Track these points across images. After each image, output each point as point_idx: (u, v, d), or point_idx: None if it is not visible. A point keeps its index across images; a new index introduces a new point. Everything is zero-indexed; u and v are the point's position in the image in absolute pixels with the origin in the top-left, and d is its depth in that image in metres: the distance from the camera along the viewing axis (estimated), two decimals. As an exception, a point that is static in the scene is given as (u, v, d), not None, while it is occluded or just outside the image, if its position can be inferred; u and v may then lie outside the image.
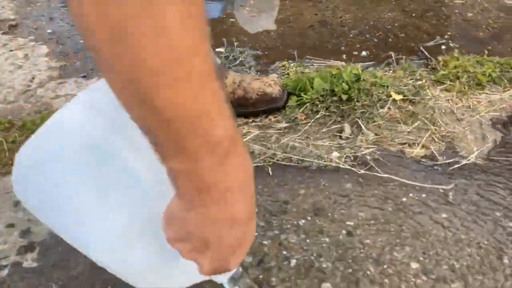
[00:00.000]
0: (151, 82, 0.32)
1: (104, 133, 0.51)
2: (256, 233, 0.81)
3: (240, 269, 0.66)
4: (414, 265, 0.75)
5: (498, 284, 0.72)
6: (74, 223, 0.55)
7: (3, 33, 1.53)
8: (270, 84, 1.11)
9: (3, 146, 0.99)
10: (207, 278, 0.65)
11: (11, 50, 1.43)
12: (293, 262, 0.76)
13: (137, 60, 0.31)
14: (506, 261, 0.76)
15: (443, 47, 1.39)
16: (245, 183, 0.42)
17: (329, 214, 0.85)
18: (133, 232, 0.54)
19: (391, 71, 1.28)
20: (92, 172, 0.52)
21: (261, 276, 0.73)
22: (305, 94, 1.14)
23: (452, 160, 0.97)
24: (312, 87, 1.14)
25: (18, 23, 1.60)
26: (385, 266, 0.75)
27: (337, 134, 1.06)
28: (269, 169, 0.95)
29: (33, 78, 1.28)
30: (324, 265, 0.75)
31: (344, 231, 0.81)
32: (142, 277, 0.60)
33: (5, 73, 1.31)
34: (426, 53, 1.35)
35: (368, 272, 0.74)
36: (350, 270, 0.74)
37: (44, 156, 0.54)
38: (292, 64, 1.32)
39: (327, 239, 0.80)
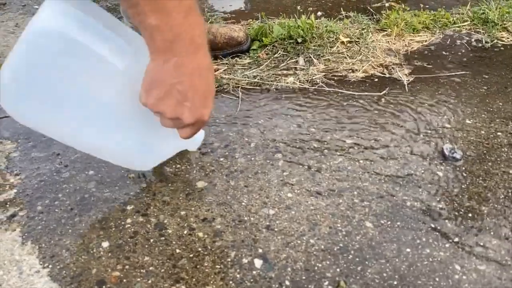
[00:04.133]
0: None
1: (77, 34, 0.62)
2: (224, 128, 1.02)
3: (203, 134, 0.87)
4: (349, 140, 0.97)
5: (412, 142, 0.95)
6: (67, 123, 0.69)
7: (-7, 10, 1.73)
8: (235, 30, 1.34)
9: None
10: (183, 148, 0.86)
11: (2, 21, 1.63)
12: (253, 144, 0.97)
13: None
14: (420, 136, 0.98)
15: (387, 4, 1.65)
16: (203, 35, 0.62)
17: (283, 116, 1.07)
18: (116, 122, 0.71)
19: (341, 24, 1.52)
20: (73, 72, 0.64)
21: (226, 153, 0.94)
22: (266, 38, 1.37)
23: (386, 77, 1.21)
24: (272, 33, 1.38)
25: (6, 2, 1.80)
26: (325, 143, 0.97)
27: (293, 66, 1.29)
28: (236, 91, 1.17)
29: (25, 39, 1.49)
30: (277, 145, 0.97)
31: (295, 125, 1.03)
32: (129, 160, 0.79)
33: (-1, 37, 1.51)
34: (372, 11, 1.61)
35: (312, 147, 0.95)
36: (298, 146, 0.96)
37: (27, 67, 0.63)
38: (256, 22, 1.55)
39: (281, 130, 1.01)
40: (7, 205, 0.81)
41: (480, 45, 1.39)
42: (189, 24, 0.58)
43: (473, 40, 1.42)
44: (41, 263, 0.70)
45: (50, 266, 0.70)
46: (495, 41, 1.41)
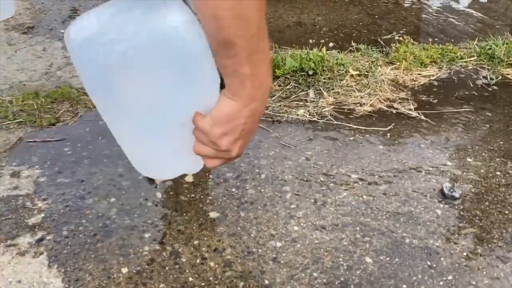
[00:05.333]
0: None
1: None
2: (236, 161, 1.08)
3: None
4: (354, 175, 1.03)
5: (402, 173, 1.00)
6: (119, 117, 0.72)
7: (22, 33, 1.83)
8: (249, 62, 1.41)
9: (34, 106, 1.27)
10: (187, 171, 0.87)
11: (30, 45, 1.73)
12: (263, 175, 1.03)
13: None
14: (422, 173, 1.04)
15: (397, 37, 1.72)
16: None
17: (292, 148, 1.13)
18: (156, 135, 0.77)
19: (352, 56, 1.59)
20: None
21: (238, 184, 1.01)
22: (278, 70, 1.44)
23: (392, 112, 1.27)
24: (284, 65, 1.45)
25: (34, 25, 1.91)
26: (331, 177, 1.03)
27: (304, 98, 1.35)
28: (248, 122, 1.24)
29: (51, 64, 1.58)
30: (286, 177, 1.03)
31: (303, 158, 1.09)
32: (150, 167, 0.85)
33: (27, 61, 1.60)
34: (383, 43, 1.67)
35: (319, 180, 1.01)
36: (305, 179, 1.02)
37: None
38: (270, 52, 1.62)
39: (290, 162, 1.08)
40: (36, 229, 0.89)
41: (485, 81, 1.45)
42: (269, 74, 0.67)
43: (479, 76, 1.48)
44: (66, 286, 0.77)
45: (74, 289, 0.77)
46: (500, 77, 1.46)
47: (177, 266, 0.81)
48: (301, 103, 1.34)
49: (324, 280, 0.79)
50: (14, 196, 0.97)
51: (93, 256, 0.83)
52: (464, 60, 1.57)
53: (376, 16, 1.98)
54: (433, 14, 2.00)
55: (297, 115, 1.28)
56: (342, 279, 0.79)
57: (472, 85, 1.43)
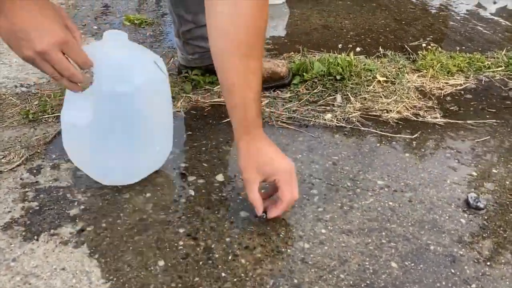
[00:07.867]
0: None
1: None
2: (265, 161, 1.12)
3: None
4: (380, 182, 1.06)
5: (437, 189, 1.03)
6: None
7: (56, 28, 1.90)
8: (278, 65, 1.45)
9: (71, 101, 1.33)
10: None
11: (65, 40, 1.80)
12: (291, 178, 1.07)
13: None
14: (447, 182, 1.06)
15: (424, 44, 1.73)
16: None
17: (319, 152, 1.16)
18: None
19: (379, 62, 1.61)
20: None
21: (266, 185, 1.04)
22: (306, 74, 1.47)
23: (418, 120, 1.30)
24: (312, 69, 1.48)
25: (68, 20, 1.97)
26: (358, 182, 1.06)
27: (331, 102, 1.38)
28: (275, 126, 1.28)
29: (86, 60, 1.64)
30: (313, 181, 1.06)
31: (330, 162, 1.13)
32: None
33: (63, 56, 1.67)
34: (409, 50, 1.69)
35: (345, 185, 1.05)
36: (332, 184, 1.05)
37: None
38: (297, 55, 1.66)
39: (317, 166, 1.11)
40: (77, 220, 0.94)
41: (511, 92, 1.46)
42: None
43: (505, 87, 1.49)
44: (107, 275, 0.82)
45: (114, 279, 0.81)
46: (528, 89, 1.47)
47: (210, 261, 0.85)
48: (329, 107, 1.37)
49: (351, 282, 0.82)
50: (55, 188, 1.03)
51: (131, 248, 0.88)
52: (491, 70, 1.58)
53: (403, 22, 1.99)
54: (461, 21, 2.01)
55: (325, 119, 1.31)
56: (368, 282, 0.82)
57: (499, 96, 1.45)
